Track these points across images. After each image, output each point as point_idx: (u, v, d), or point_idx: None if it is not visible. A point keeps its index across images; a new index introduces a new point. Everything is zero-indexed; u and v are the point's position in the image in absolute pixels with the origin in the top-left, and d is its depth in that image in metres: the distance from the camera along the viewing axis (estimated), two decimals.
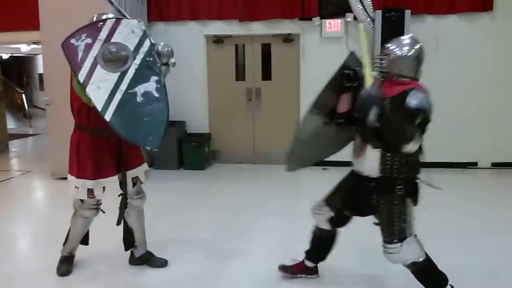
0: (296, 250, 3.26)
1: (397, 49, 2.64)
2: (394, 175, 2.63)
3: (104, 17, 3.10)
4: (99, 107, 2.78)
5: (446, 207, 4.80)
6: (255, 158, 7.20)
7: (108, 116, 2.78)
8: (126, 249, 3.43)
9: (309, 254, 3.17)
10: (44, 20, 5.94)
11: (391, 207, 2.64)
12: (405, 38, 2.72)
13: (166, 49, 3.20)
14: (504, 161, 6.57)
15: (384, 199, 2.68)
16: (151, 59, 2.95)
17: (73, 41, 2.89)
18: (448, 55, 6.42)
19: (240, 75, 7.18)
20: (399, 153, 2.61)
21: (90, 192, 3.11)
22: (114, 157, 3.16)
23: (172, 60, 3.26)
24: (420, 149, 2.70)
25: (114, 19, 2.99)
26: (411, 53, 2.62)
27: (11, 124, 11.42)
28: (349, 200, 2.89)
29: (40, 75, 14.92)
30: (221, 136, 7.19)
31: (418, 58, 2.65)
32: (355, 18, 6.36)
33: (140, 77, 2.89)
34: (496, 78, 6.47)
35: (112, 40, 2.90)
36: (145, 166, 3.38)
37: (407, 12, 6.12)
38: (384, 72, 2.65)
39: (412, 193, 2.69)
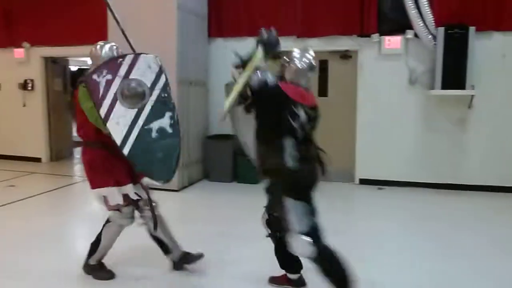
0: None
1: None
2: (269, 177, 2.90)
3: (107, 47, 3.33)
4: (118, 142, 2.96)
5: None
6: None
7: (126, 151, 2.97)
8: (173, 264, 3.57)
9: (281, 266, 3.19)
10: (112, 34, 6.26)
11: (278, 206, 2.83)
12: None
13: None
14: None
15: (272, 199, 2.94)
16: (166, 95, 3.12)
17: (95, 77, 3.03)
18: None
19: None
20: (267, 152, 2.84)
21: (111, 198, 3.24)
22: (127, 166, 3.19)
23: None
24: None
25: (133, 55, 3.13)
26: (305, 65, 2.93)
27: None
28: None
29: None
30: None
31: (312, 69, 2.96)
32: (416, 35, 6.23)
33: (155, 113, 3.06)
34: None
35: (130, 77, 3.05)
36: None
37: (472, 29, 5.90)
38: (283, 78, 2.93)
39: (290, 190, 2.77)
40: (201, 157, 6.98)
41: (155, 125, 3.05)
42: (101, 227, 3.44)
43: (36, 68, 8.36)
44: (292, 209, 2.73)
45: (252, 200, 5.81)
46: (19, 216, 5.14)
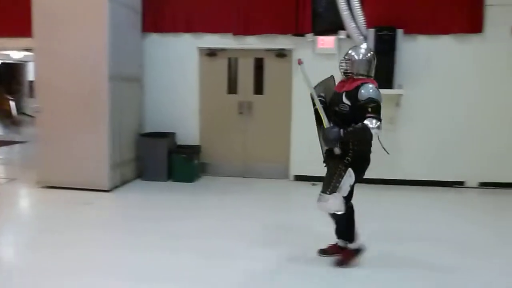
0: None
1: (355, 54, 3.53)
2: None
3: None
4: None
5: (433, 222, 4.86)
6: (245, 172, 7.18)
7: None
8: None
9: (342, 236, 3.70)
10: (37, 27, 5.90)
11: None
12: (362, 47, 3.68)
13: None
14: (492, 181, 6.61)
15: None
16: None
17: None
18: (438, 74, 6.50)
19: (232, 88, 7.19)
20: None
21: None
22: None
23: None
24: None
25: None
26: (366, 57, 3.53)
27: None
28: None
29: (30, 82, 14.82)
30: (211, 149, 7.16)
31: (370, 61, 3.55)
32: (348, 35, 6.44)
33: None
34: (484, 98, 6.52)
35: None
36: None
37: (399, 31, 6.20)
38: (347, 72, 3.53)
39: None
40: (135, 156, 6.77)
41: None
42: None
43: None
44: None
45: (188, 199, 5.80)
46: None
